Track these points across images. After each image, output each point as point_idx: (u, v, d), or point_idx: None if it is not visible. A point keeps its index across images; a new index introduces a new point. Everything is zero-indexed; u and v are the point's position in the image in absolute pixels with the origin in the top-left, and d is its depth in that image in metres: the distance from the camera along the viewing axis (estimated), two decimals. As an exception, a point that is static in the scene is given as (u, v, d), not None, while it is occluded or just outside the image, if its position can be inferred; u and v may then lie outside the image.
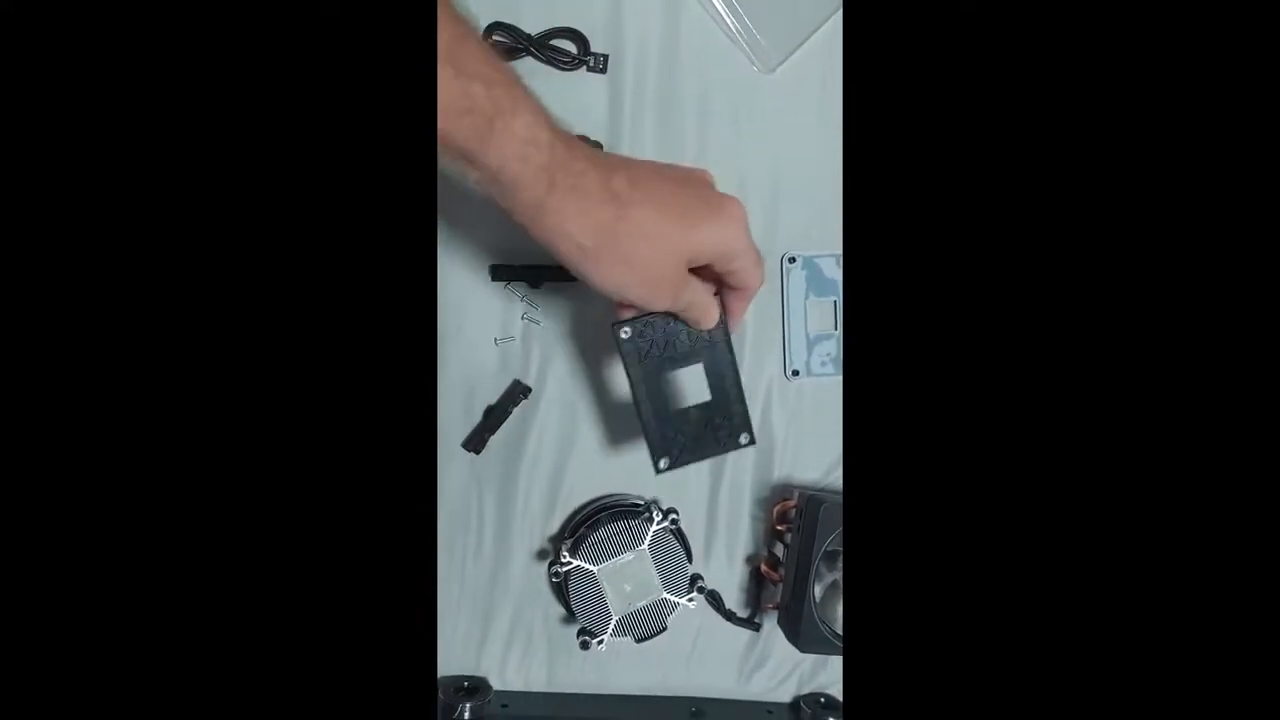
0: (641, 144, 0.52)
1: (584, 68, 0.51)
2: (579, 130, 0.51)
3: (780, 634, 0.56)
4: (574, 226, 0.33)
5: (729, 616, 0.54)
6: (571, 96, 0.51)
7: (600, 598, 0.49)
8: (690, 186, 0.37)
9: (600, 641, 0.49)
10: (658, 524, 0.49)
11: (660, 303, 0.37)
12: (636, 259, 0.34)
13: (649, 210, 0.34)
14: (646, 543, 0.49)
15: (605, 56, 0.51)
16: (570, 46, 0.51)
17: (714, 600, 0.54)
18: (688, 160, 0.52)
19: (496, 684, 0.53)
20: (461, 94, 0.29)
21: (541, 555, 0.53)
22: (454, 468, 0.52)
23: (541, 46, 0.50)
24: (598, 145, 0.51)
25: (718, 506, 0.55)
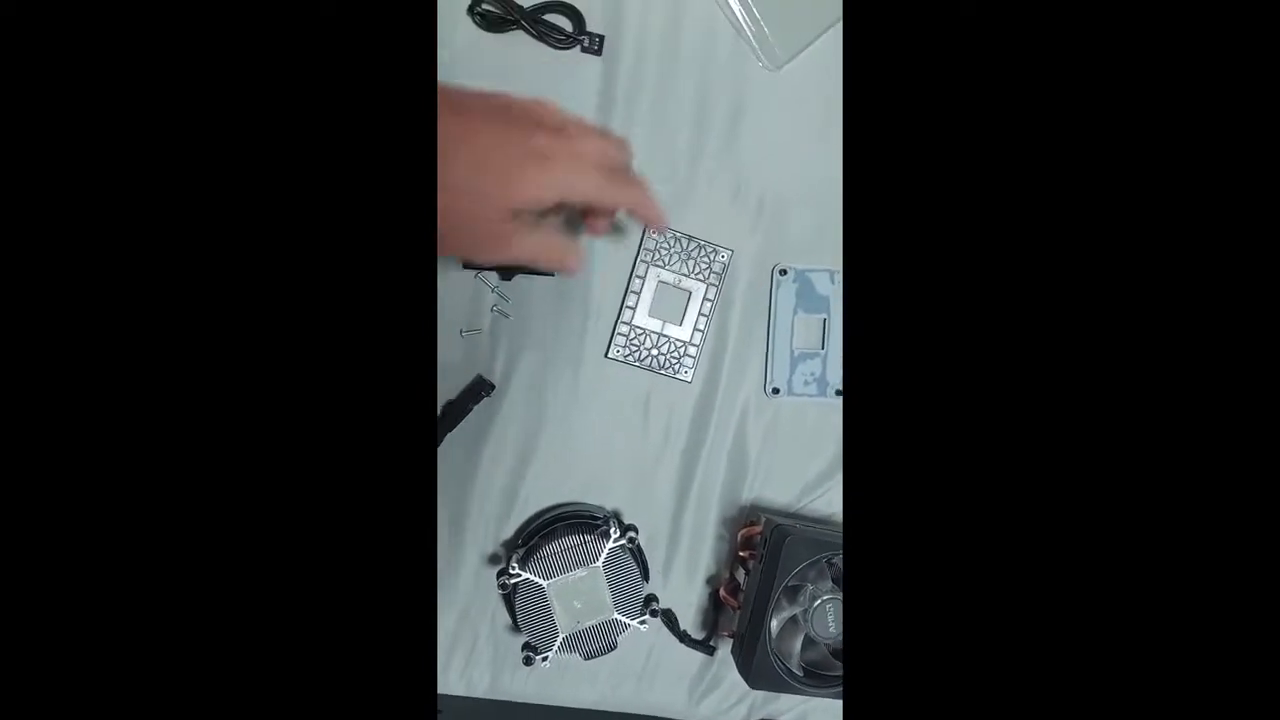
0: (631, 136, 0.48)
1: (578, 47, 0.48)
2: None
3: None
4: None
5: (683, 638, 0.52)
6: (562, 77, 0.48)
7: (548, 614, 0.46)
8: (524, 130, 0.36)
9: (545, 658, 0.46)
10: (614, 541, 0.47)
11: (491, 252, 0.39)
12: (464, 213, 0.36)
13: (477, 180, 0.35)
14: (601, 560, 0.47)
15: (601, 37, 0.47)
16: (565, 23, 0.47)
17: (669, 620, 0.52)
18: (680, 159, 0.49)
19: (437, 686, 0.51)
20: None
21: (493, 560, 0.51)
22: (407, 462, 0.49)
23: (533, 20, 0.47)
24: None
25: (682, 522, 0.52)
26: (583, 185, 0.37)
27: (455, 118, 0.34)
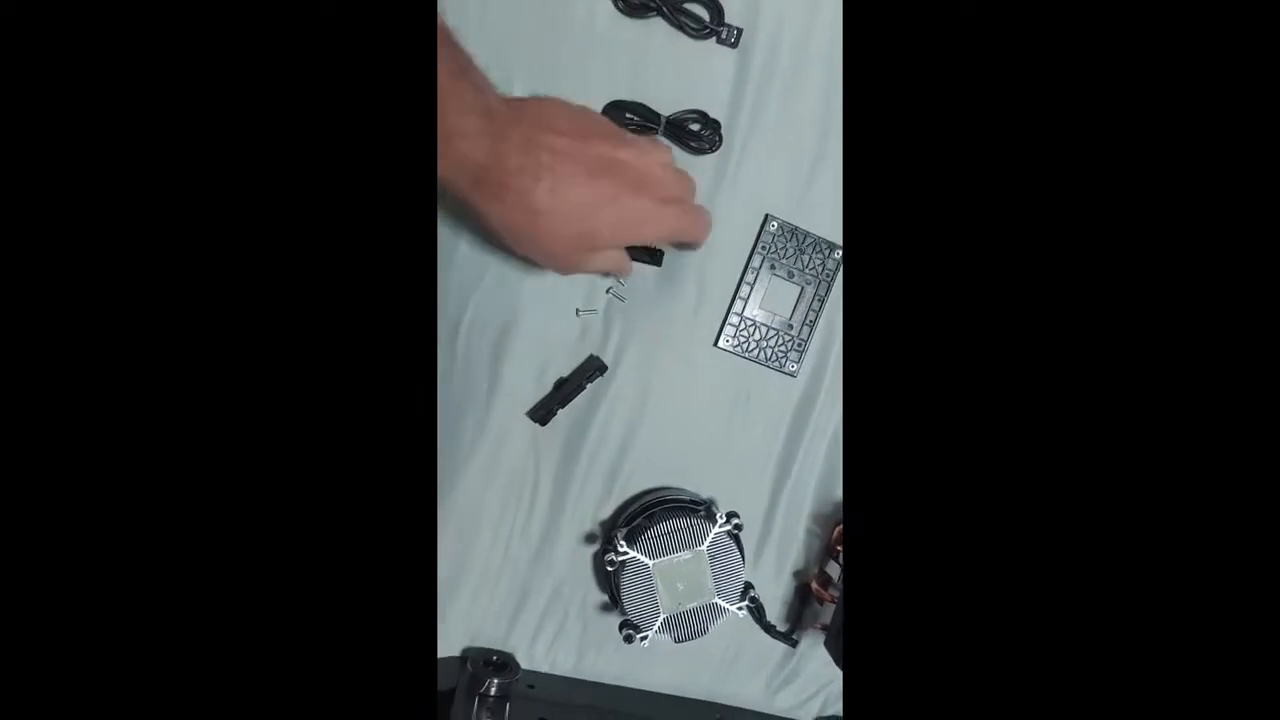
0: (759, 131, 0.49)
1: (714, 39, 0.48)
2: (696, 104, 0.48)
3: (813, 653, 0.55)
4: (493, 223, 0.38)
5: (769, 629, 0.52)
6: (696, 67, 0.48)
7: (651, 593, 0.47)
8: (613, 180, 0.39)
9: (644, 638, 0.47)
10: (720, 526, 0.47)
11: (564, 272, 0.45)
12: (542, 252, 0.40)
13: (560, 223, 0.38)
14: (706, 544, 0.47)
15: (739, 30, 0.48)
16: (703, 13, 0.48)
17: (757, 610, 0.52)
18: (804, 157, 0.49)
19: (523, 661, 0.52)
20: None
21: (589, 539, 0.52)
22: (515, 437, 0.50)
23: (673, 8, 0.47)
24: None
25: (775, 514, 0.53)
26: (648, 234, 0.42)
27: (563, 174, 0.37)
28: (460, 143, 0.34)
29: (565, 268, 0.43)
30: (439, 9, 0.35)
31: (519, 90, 0.47)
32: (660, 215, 0.41)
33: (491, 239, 0.45)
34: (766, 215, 0.50)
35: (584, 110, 0.42)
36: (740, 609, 0.48)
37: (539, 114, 0.38)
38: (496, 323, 0.49)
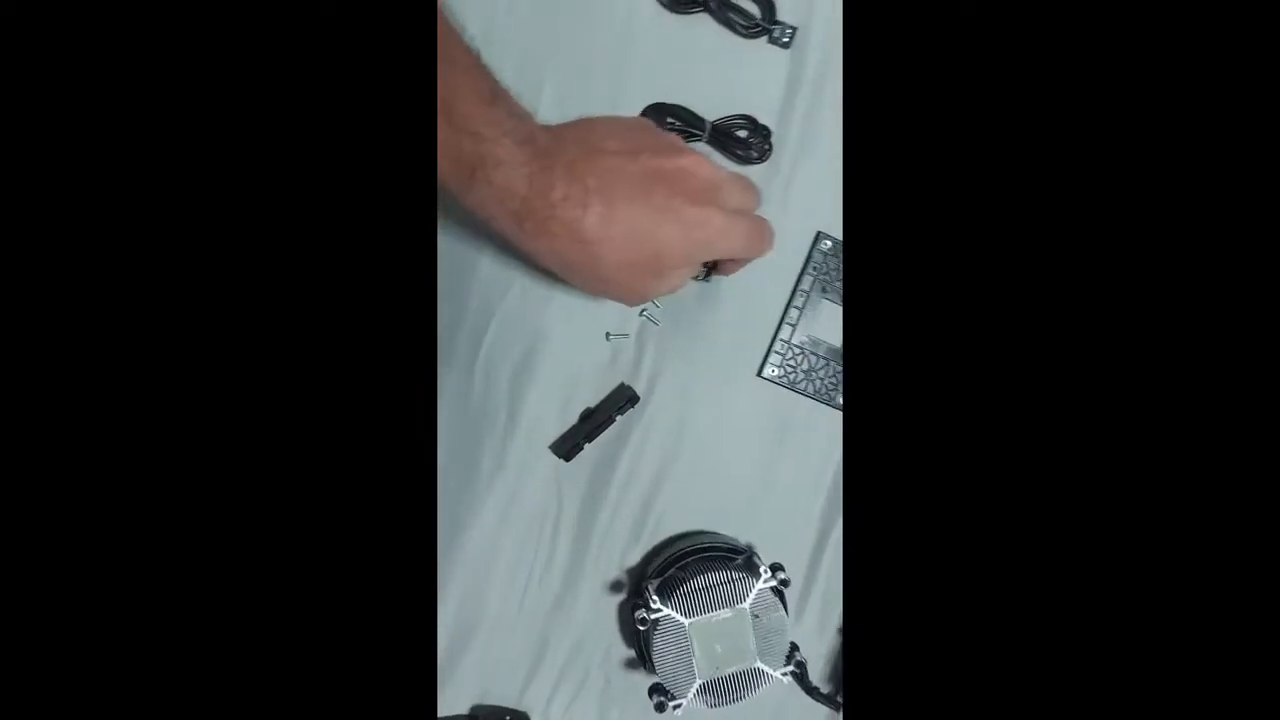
0: (812, 140, 0.44)
1: (765, 37, 0.44)
2: (744, 109, 0.44)
3: (860, 717, 0.49)
4: (546, 260, 0.35)
5: (811, 691, 0.47)
6: (745, 68, 0.44)
7: (687, 656, 0.42)
8: (669, 193, 0.34)
9: (678, 706, 0.42)
10: (764, 580, 0.42)
11: (634, 303, 0.42)
12: (609, 285, 0.36)
13: (618, 250, 0.34)
14: (748, 601, 0.42)
15: (794, 29, 0.43)
16: (754, 9, 0.44)
17: (799, 671, 0.47)
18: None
19: (538, 722, 0.47)
20: (451, 144, 0.30)
21: (615, 587, 0.46)
22: (536, 472, 0.45)
23: (722, 4, 0.43)
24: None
25: (820, 562, 0.48)
26: (717, 249, 0.37)
27: (612, 200, 0.33)
28: (496, 173, 0.30)
29: (635, 298, 0.38)
30: (461, 28, 0.31)
31: (549, 91, 0.42)
32: (729, 227, 0.36)
33: (551, 275, 0.40)
34: (818, 233, 0.45)
35: (636, 123, 0.38)
36: (785, 674, 0.43)
37: (585, 136, 0.34)
38: (519, 345, 0.44)
